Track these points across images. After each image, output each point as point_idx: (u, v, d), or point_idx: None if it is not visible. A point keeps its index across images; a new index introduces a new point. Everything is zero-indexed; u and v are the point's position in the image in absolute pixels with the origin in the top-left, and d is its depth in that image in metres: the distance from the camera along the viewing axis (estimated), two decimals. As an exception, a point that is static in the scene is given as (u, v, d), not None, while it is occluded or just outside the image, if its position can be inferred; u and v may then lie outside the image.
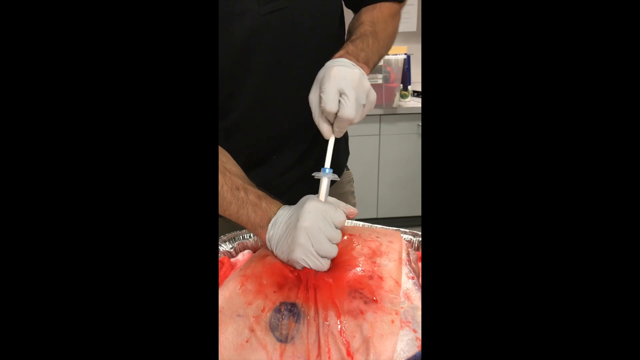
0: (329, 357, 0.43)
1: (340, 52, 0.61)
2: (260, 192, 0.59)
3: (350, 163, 0.91)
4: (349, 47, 0.63)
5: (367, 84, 0.58)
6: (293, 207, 0.55)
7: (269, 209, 0.56)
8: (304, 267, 0.51)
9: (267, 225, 0.55)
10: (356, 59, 0.61)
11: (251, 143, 0.75)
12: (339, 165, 0.86)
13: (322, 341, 0.44)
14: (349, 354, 0.43)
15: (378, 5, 0.73)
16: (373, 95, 0.59)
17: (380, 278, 0.49)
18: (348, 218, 0.57)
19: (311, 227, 0.51)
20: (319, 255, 0.51)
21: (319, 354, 0.43)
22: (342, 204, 0.58)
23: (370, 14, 0.72)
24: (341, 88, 0.55)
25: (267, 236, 0.55)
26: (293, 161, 0.78)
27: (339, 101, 0.55)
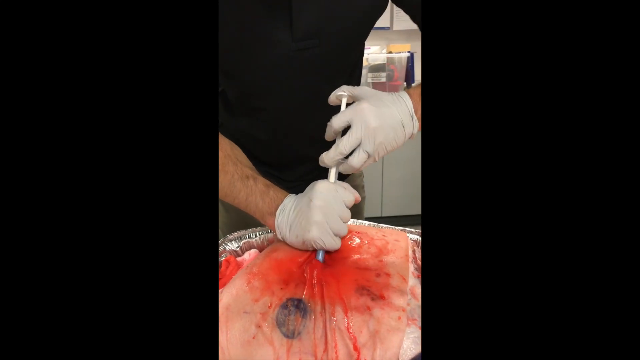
0: (336, 352, 0.43)
1: (416, 89, 0.58)
2: (268, 182, 0.60)
3: None
4: (415, 96, 0.59)
5: (379, 138, 0.54)
6: (300, 194, 0.56)
7: (276, 197, 0.58)
8: (310, 263, 0.51)
9: (275, 212, 0.56)
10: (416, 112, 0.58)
11: (265, 161, 0.79)
12: None
13: (329, 336, 0.44)
14: (355, 348, 0.43)
15: None
16: (381, 152, 0.56)
17: (388, 275, 0.50)
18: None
19: (325, 205, 0.52)
20: (333, 233, 0.52)
21: (325, 349, 0.44)
22: (349, 186, 0.58)
23: None
24: (351, 121, 0.54)
25: (275, 222, 0.56)
26: (306, 170, 0.81)
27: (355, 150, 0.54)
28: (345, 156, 0.54)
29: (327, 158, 0.54)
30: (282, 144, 0.76)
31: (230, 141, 0.68)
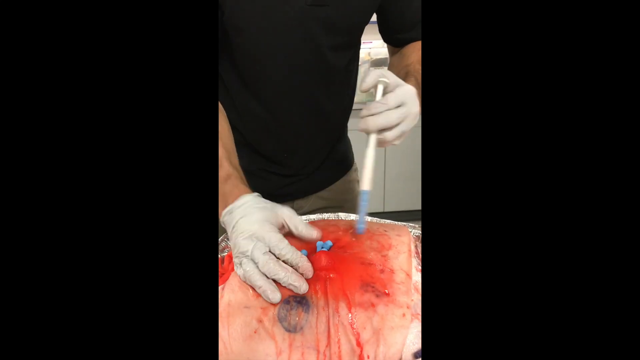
0: (339, 347, 0.43)
1: (411, 84, 0.60)
2: (230, 171, 0.58)
3: (356, 156, 0.94)
4: (415, 83, 0.62)
5: (413, 123, 0.57)
6: (253, 202, 0.54)
7: (230, 192, 0.56)
8: (313, 258, 0.51)
9: (224, 208, 0.55)
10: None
11: (262, 150, 0.77)
12: (350, 155, 0.91)
13: (332, 331, 0.44)
14: (358, 344, 0.43)
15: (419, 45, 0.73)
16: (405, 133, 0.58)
17: (392, 271, 0.49)
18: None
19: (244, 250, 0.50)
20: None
21: (328, 344, 0.44)
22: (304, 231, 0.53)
23: (417, 54, 0.71)
24: (403, 102, 0.55)
25: (221, 219, 0.55)
26: (304, 161, 0.81)
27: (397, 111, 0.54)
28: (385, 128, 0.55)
29: (372, 124, 0.54)
30: (281, 122, 0.75)
31: (221, 108, 0.67)
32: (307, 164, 0.81)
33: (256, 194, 0.56)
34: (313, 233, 0.52)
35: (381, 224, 0.62)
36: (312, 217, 0.66)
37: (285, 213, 0.53)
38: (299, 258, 0.48)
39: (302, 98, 0.72)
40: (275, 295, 0.46)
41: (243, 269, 0.48)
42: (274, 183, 0.81)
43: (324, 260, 0.50)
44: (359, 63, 0.81)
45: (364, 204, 0.54)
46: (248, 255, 0.48)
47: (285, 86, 0.70)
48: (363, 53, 2.64)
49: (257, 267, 0.47)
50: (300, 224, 0.52)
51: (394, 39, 0.77)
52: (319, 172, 0.83)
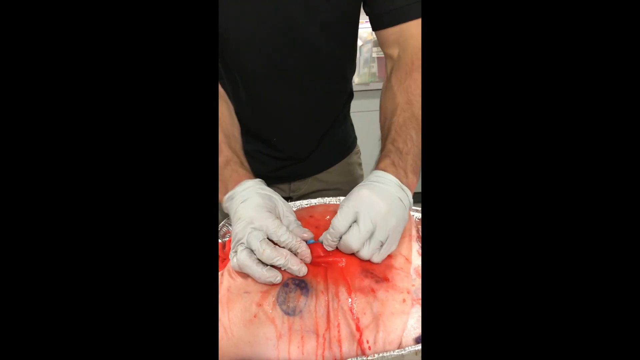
0: (339, 331, 0.43)
1: (385, 163, 0.52)
2: (230, 156, 0.57)
3: (359, 139, 0.95)
4: (393, 155, 0.52)
5: (392, 222, 0.47)
6: (255, 187, 0.52)
7: (229, 177, 0.54)
8: (313, 245, 0.51)
9: (224, 193, 0.53)
10: (404, 171, 0.51)
11: (253, 115, 0.75)
12: (350, 139, 0.90)
13: (331, 315, 0.44)
14: (358, 329, 0.44)
15: (410, 75, 0.60)
16: (395, 237, 0.48)
17: (391, 256, 0.49)
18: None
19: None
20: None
21: (328, 328, 0.44)
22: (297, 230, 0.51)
23: (403, 86, 0.59)
24: (357, 213, 0.47)
25: (223, 205, 0.54)
26: (296, 145, 0.79)
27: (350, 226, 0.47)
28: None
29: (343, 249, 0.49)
30: (263, 104, 0.72)
31: (225, 93, 0.65)
32: (301, 147, 0.79)
33: (258, 179, 0.55)
34: (304, 235, 0.50)
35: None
36: (314, 201, 0.65)
37: (280, 209, 0.51)
38: (298, 243, 0.48)
39: (283, 80, 0.69)
40: (277, 278, 0.46)
41: (238, 258, 0.47)
42: (270, 165, 0.80)
43: (322, 250, 0.49)
44: (361, 43, 0.79)
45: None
46: (243, 243, 0.47)
47: (264, 67, 0.68)
48: (366, 33, 2.60)
49: (254, 256, 0.46)
50: (292, 224, 0.50)
51: (375, 18, 0.67)
52: (316, 155, 0.82)
